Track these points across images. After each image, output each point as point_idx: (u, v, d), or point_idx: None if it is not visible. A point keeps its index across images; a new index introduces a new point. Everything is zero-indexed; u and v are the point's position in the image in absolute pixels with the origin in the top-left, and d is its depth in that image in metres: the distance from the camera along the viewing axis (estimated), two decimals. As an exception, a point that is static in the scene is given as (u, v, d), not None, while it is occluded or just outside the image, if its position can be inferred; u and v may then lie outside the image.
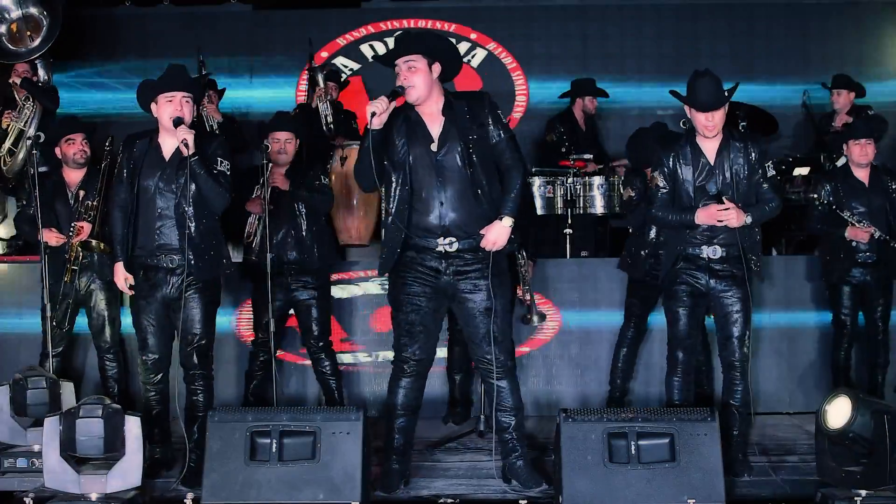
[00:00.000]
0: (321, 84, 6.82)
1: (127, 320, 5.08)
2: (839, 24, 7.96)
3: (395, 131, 4.11)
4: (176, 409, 4.41)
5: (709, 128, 4.37)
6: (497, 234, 4.05)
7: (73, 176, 5.33)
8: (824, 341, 5.98)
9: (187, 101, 4.34)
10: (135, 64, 7.79)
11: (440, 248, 4.10)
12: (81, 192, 5.27)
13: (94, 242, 5.14)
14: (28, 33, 6.35)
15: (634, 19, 8.06)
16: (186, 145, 4.21)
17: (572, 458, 3.87)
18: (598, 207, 6.74)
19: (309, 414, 4.05)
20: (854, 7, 8.00)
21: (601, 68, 7.86)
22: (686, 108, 4.44)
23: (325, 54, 7.97)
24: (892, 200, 5.55)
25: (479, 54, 8.07)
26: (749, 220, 4.32)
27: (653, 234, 5.40)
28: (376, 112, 3.93)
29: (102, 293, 5.29)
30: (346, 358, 6.00)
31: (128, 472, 3.91)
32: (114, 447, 3.88)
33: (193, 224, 4.33)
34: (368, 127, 3.96)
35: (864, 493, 3.77)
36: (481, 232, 4.07)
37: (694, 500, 3.79)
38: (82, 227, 5.15)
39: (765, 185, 4.41)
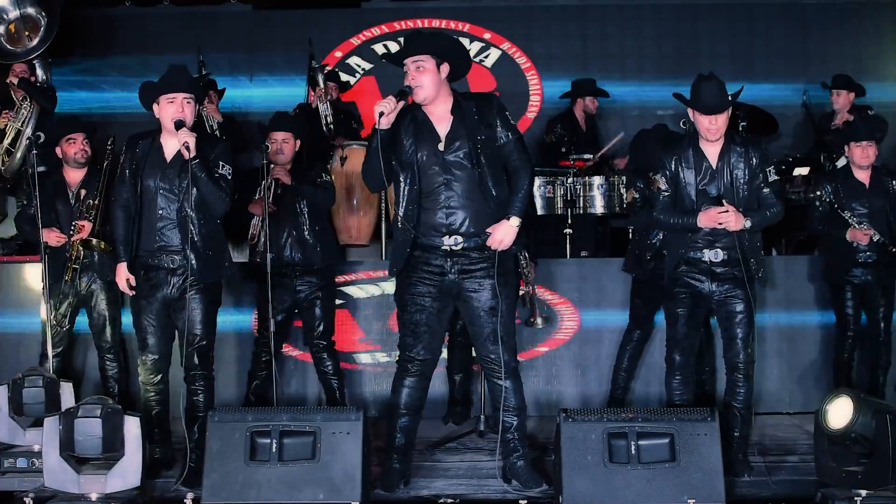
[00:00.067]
0: (321, 84, 6.82)
1: (127, 320, 5.09)
2: (839, 24, 7.96)
3: (402, 131, 4.13)
4: (177, 409, 4.40)
5: (712, 131, 4.36)
6: (504, 233, 4.06)
7: (74, 176, 5.33)
8: (824, 341, 5.98)
9: (188, 102, 4.34)
10: (135, 64, 7.79)
11: (446, 247, 4.11)
12: (82, 192, 5.27)
13: (94, 241, 5.14)
14: (26, 33, 6.35)
15: (634, 19, 8.06)
16: (188, 148, 4.21)
17: (572, 458, 3.87)
18: (598, 207, 6.73)
19: (309, 414, 4.05)
20: (854, 7, 8.00)
21: (601, 68, 7.86)
22: (689, 111, 4.44)
23: (338, 54, 8.00)
24: (892, 202, 5.54)
25: (494, 54, 8.07)
26: (749, 224, 4.32)
27: (658, 235, 5.37)
28: (384, 112, 3.94)
29: (103, 293, 5.29)
30: (363, 358, 6.01)
31: (127, 472, 3.91)
32: (113, 447, 3.88)
33: (195, 227, 4.33)
34: (377, 127, 3.97)
35: (864, 493, 3.77)
36: (488, 231, 4.08)
37: (694, 500, 3.79)
38: (83, 226, 5.15)
39: (765, 190, 4.40)
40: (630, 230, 6.11)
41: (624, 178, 6.49)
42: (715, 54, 7.80)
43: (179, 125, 4.25)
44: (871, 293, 5.57)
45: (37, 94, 6.28)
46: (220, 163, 4.40)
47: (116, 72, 7.90)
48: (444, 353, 5.70)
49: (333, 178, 5.67)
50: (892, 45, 7.99)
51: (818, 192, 5.74)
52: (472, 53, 7.87)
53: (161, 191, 4.36)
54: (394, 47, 7.83)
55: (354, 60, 8.05)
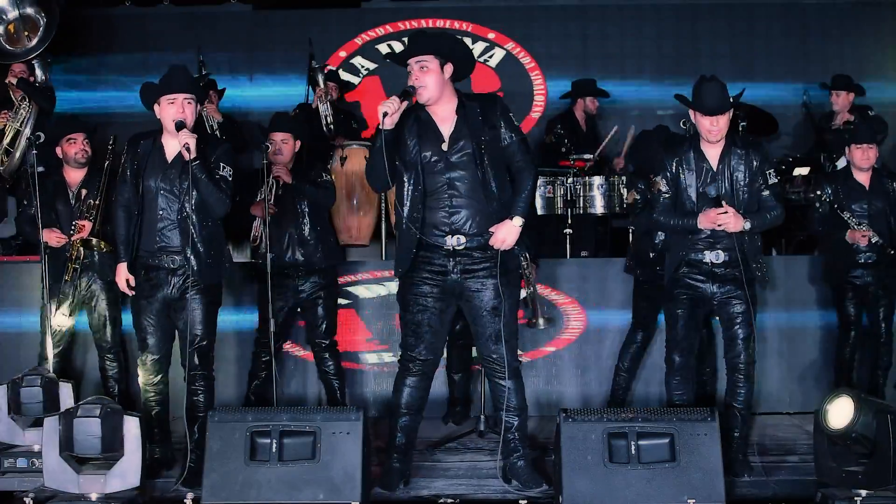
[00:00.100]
0: (321, 84, 6.82)
1: (128, 320, 5.09)
2: (839, 24, 7.96)
3: (406, 131, 4.13)
4: (177, 409, 4.40)
5: (713, 132, 4.37)
6: (507, 232, 4.07)
7: (74, 176, 5.33)
8: (824, 341, 5.98)
9: (189, 103, 4.34)
10: (134, 64, 7.79)
11: (448, 246, 4.11)
12: (83, 192, 5.27)
13: (94, 241, 5.14)
14: (25, 33, 6.36)
15: (634, 19, 8.06)
16: (188, 149, 4.21)
17: (572, 458, 3.87)
18: (598, 207, 6.73)
19: (309, 414, 4.05)
20: (854, 7, 7.99)
21: (601, 68, 7.86)
22: (691, 112, 4.45)
23: (343, 54, 8.00)
24: (892, 203, 5.54)
25: (498, 54, 8.07)
26: (748, 225, 4.32)
27: (660, 236, 5.36)
28: (388, 112, 3.94)
29: (104, 293, 5.29)
30: (370, 358, 6.01)
31: (127, 472, 3.91)
32: (112, 447, 3.88)
33: (196, 228, 4.33)
34: (380, 127, 3.97)
35: (864, 493, 3.77)
36: (491, 230, 4.08)
37: (694, 500, 3.79)
38: (83, 226, 5.15)
39: (765, 193, 4.41)
40: (630, 231, 6.11)
41: (624, 178, 6.49)
42: (715, 54, 7.80)
43: (180, 126, 4.25)
44: (871, 294, 5.57)
45: (35, 94, 6.28)
46: (221, 164, 4.40)
47: (116, 72, 7.89)
48: (444, 353, 5.71)
49: (333, 177, 5.67)
50: (892, 45, 7.99)
51: (818, 192, 5.74)
52: (476, 53, 7.88)
53: (162, 191, 4.36)
54: (398, 47, 7.83)
55: (359, 60, 8.05)
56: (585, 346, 6.04)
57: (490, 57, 8.05)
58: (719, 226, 4.31)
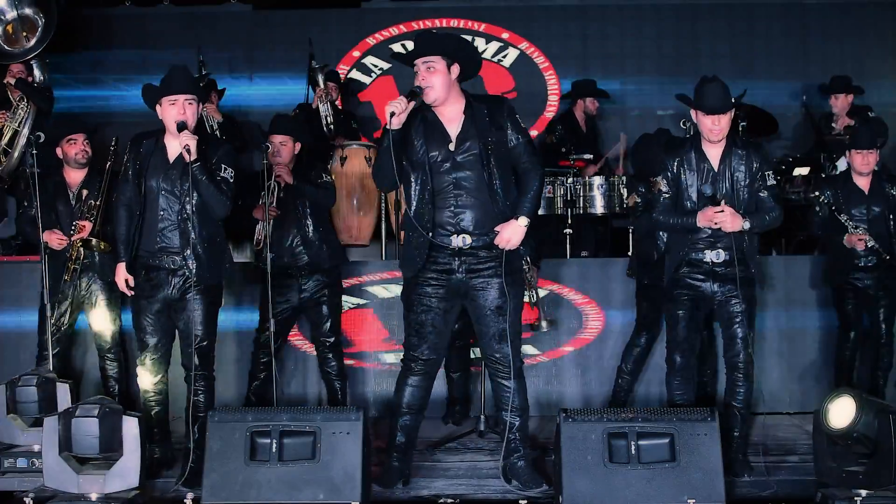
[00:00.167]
0: (321, 84, 6.82)
1: (128, 320, 5.08)
2: (839, 24, 7.97)
3: (413, 131, 4.14)
4: (177, 409, 4.40)
5: (715, 132, 4.37)
6: (512, 232, 4.07)
7: (75, 176, 5.33)
8: (824, 341, 5.98)
9: (190, 104, 4.34)
10: (134, 64, 7.78)
11: (454, 246, 4.11)
12: (83, 192, 5.27)
13: (94, 241, 5.14)
14: (24, 34, 6.36)
15: (634, 19, 8.06)
16: (189, 151, 4.21)
17: (572, 458, 3.87)
18: (598, 207, 6.74)
19: (309, 414, 4.05)
20: (854, 7, 8.00)
21: (601, 68, 7.87)
22: (692, 112, 4.46)
23: (356, 53, 8.01)
24: (892, 207, 5.54)
25: (512, 54, 8.06)
26: (748, 225, 4.33)
27: (664, 237, 5.33)
28: (395, 112, 3.96)
29: (103, 293, 5.29)
30: (388, 357, 5.99)
31: (127, 472, 3.90)
32: (111, 447, 3.87)
33: (196, 229, 4.33)
34: (388, 127, 3.98)
35: (864, 493, 3.77)
36: (496, 229, 4.09)
37: (694, 500, 3.79)
38: (83, 226, 5.15)
39: (763, 194, 4.41)
40: (630, 232, 6.10)
41: (624, 178, 6.48)
42: (715, 54, 7.80)
43: (181, 127, 4.25)
44: (872, 295, 5.56)
45: (34, 94, 6.29)
46: (223, 166, 4.39)
47: (116, 72, 7.90)
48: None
49: (334, 178, 5.67)
50: (893, 46, 7.99)
51: (817, 194, 5.73)
52: (490, 53, 7.90)
53: (163, 192, 4.36)
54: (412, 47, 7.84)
55: (371, 60, 8.06)
56: (586, 347, 6.04)
57: (504, 57, 8.05)
58: (716, 225, 4.32)
